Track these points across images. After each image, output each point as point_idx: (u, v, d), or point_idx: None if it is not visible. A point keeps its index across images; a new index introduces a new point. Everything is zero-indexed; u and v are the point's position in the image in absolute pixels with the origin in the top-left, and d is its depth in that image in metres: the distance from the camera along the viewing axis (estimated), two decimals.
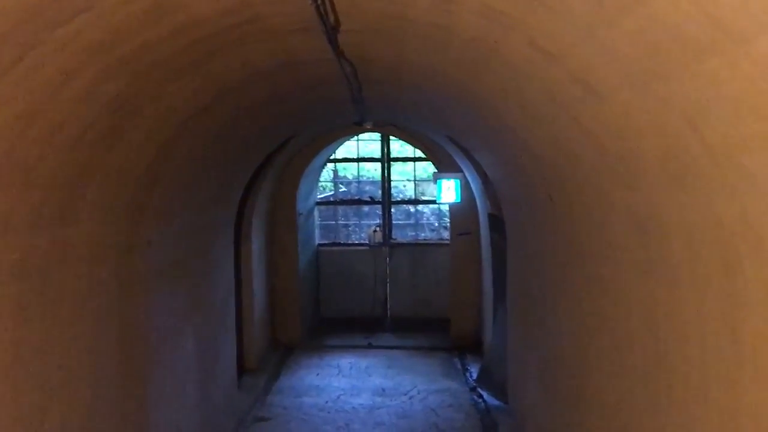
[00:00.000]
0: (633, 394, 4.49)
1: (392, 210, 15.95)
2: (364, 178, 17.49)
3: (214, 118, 6.19)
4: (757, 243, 2.69)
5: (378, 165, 15.98)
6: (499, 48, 4.20)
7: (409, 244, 15.88)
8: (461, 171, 12.55)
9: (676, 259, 3.61)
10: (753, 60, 2.22)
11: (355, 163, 16.87)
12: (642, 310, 4.23)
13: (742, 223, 2.77)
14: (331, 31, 4.56)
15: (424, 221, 17.55)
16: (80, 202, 4.52)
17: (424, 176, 16.58)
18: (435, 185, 13.19)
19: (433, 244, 15.88)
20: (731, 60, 2.33)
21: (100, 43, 3.52)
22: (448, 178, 12.70)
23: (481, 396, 10.42)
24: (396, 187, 16.87)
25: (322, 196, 16.85)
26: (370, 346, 13.70)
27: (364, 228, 16.79)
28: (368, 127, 11.51)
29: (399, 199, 16.87)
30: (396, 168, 16.62)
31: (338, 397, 10.55)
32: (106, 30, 3.44)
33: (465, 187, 12.78)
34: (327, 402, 10.34)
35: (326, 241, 16.35)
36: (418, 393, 10.76)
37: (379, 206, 15.93)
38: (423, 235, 17.02)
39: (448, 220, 14.62)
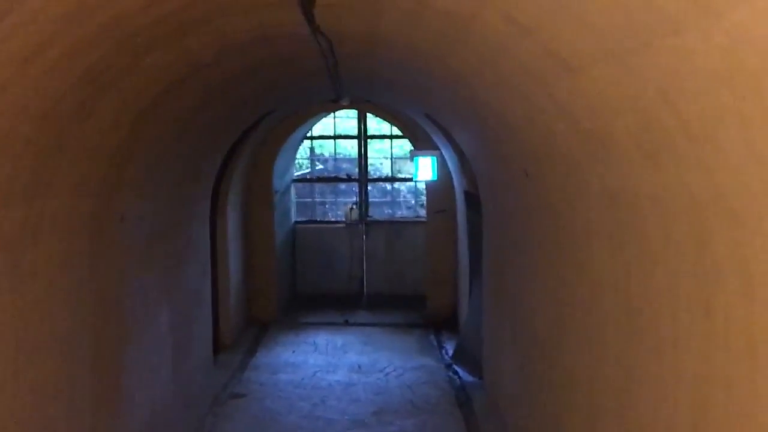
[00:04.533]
0: (606, 370, 4.52)
1: (369, 187, 15.96)
2: (341, 156, 17.45)
3: (189, 92, 6.14)
4: (729, 218, 2.71)
5: (355, 142, 15.96)
6: (474, 22, 4.18)
7: (385, 222, 15.89)
8: (438, 148, 12.55)
9: (649, 234, 3.63)
10: (727, 33, 2.22)
11: (332, 141, 16.82)
12: (615, 285, 4.25)
13: (715, 199, 2.78)
14: (307, 5, 4.53)
15: (401, 199, 17.57)
16: (53, 175, 4.47)
17: (401, 154, 16.58)
18: (411, 163, 13.18)
19: (409, 221, 15.91)
20: (705, 33, 2.33)
21: (73, 14, 3.47)
22: (425, 155, 12.69)
23: (456, 372, 10.48)
24: (373, 164, 16.86)
25: (298, 173, 16.80)
26: (346, 323, 13.72)
27: (341, 205, 16.78)
28: (345, 104, 11.47)
29: (375, 176, 16.86)
30: (373, 145, 16.59)
31: (314, 374, 10.57)
32: (80, 0, 3.39)
33: (441, 165, 12.78)
34: (303, 378, 10.35)
35: (303, 219, 16.32)
36: (394, 370, 10.80)
37: (356, 184, 15.93)
38: (399, 212, 17.04)
39: (425, 198, 14.62)
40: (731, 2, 2.11)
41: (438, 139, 11.89)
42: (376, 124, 16.29)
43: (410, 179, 15.55)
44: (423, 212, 15.44)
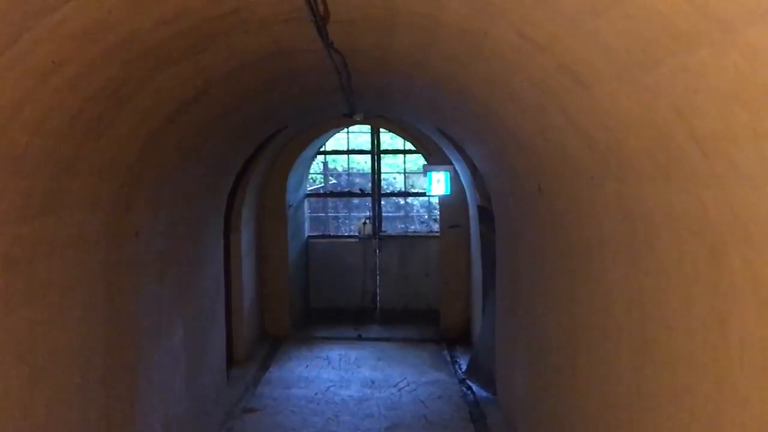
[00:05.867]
0: (620, 386, 4.50)
1: (382, 202, 15.94)
2: (354, 170, 17.50)
3: (203, 108, 6.17)
4: (743, 234, 2.70)
5: (368, 157, 15.96)
6: (487, 38, 4.20)
7: (398, 237, 15.87)
8: (451, 163, 12.55)
9: (663, 249, 3.62)
10: (741, 50, 2.22)
11: (345, 155, 16.85)
12: (629, 301, 4.24)
13: (729, 214, 2.78)
14: (321, 21, 4.55)
15: (414, 213, 17.57)
16: (68, 191, 4.50)
17: (414, 168, 16.58)
18: (425, 177, 13.18)
19: (422, 236, 15.88)
20: (719, 50, 2.33)
21: (88, 32, 3.50)
22: (438, 170, 12.69)
23: (470, 388, 10.45)
24: (386, 179, 16.87)
25: (312, 188, 16.83)
26: (359, 338, 13.70)
27: (354, 220, 16.79)
28: (358, 119, 11.48)
29: (389, 191, 16.86)
30: (386, 160, 16.61)
31: (327, 389, 10.56)
32: (95, 18, 3.42)
33: (455, 180, 12.78)
34: (316, 393, 10.34)
35: (316, 233, 16.33)
36: (408, 385, 10.78)
37: (369, 198, 15.92)
38: (413, 227, 17.03)
39: (438, 213, 14.61)
40: (745, 20, 2.11)
41: (451, 154, 11.90)
42: (389, 139, 16.32)
43: (423, 194, 15.54)
44: (436, 227, 15.44)
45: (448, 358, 12.30)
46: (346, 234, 16.56)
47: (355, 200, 17.25)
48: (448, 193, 12.81)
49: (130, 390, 6.04)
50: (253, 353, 12.22)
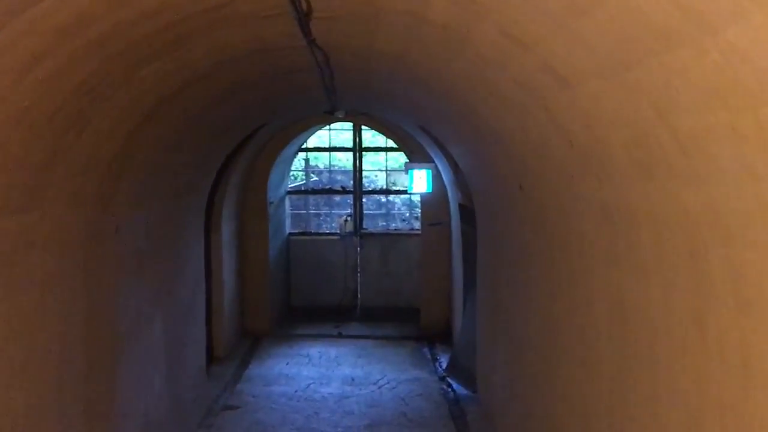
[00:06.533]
0: (600, 385, 4.52)
1: (363, 200, 15.93)
2: (336, 168, 17.44)
3: (184, 104, 6.14)
4: (723, 233, 2.72)
5: (350, 155, 15.95)
6: (470, 36, 4.20)
7: (380, 234, 15.85)
8: (432, 161, 12.57)
9: (643, 249, 3.64)
10: (721, 50, 2.23)
11: (327, 153, 16.80)
12: (610, 300, 4.26)
13: (709, 213, 2.79)
14: (303, 18, 4.53)
15: (396, 211, 17.54)
16: (48, 187, 4.47)
17: (396, 166, 16.57)
18: (406, 175, 13.19)
19: (404, 234, 15.87)
20: (700, 49, 2.34)
21: (69, 26, 3.47)
22: (420, 168, 12.70)
23: (450, 385, 10.47)
24: (367, 176, 16.84)
25: (293, 185, 16.77)
26: (340, 336, 13.70)
27: (335, 217, 16.75)
28: (340, 116, 11.48)
29: (370, 188, 16.84)
30: (368, 158, 16.58)
31: (307, 386, 10.55)
32: (76, 12, 3.40)
33: (436, 178, 12.80)
34: (296, 391, 10.33)
35: (297, 230, 16.28)
36: (388, 382, 10.78)
37: (351, 196, 15.91)
38: (394, 225, 17.01)
39: (419, 211, 14.62)
40: (726, 20, 2.12)
41: (433, 152, 11.91)
42: (371, 137, 16.30)
43: (405, 191, 15.54)
44: (417, 225, 15.43)
45: (429, 356, 12.32)
46: (328, 231, 16.52)
47: (337, 197, 17.21)
48: (430, 191, 12.83)
49: (110, 386, 6.01)
50: (233, 351, 12.19)
